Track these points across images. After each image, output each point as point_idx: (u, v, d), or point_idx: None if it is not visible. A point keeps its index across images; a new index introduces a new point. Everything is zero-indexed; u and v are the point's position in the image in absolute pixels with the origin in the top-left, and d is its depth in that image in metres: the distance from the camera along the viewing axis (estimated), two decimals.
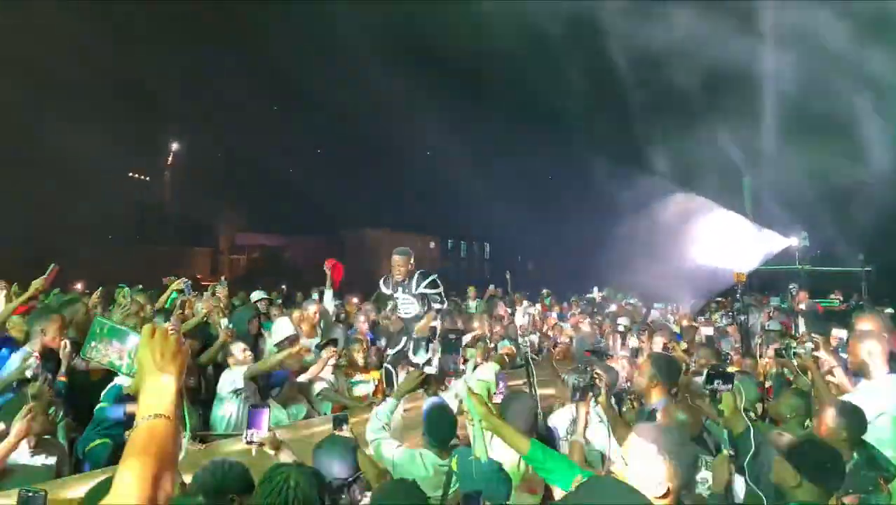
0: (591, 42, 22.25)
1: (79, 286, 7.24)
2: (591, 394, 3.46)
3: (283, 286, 14.01)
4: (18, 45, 20.14)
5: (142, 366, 1.46)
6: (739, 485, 3.10)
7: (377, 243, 41.86)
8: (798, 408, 4.10)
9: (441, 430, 3.56)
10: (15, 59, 19.68)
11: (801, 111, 17.92)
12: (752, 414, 4.03)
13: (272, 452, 3.20)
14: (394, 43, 27.67)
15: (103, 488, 2.41)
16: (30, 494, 2.43)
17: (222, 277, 10.23)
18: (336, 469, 3.14)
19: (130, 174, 32.00)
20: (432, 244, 49.77)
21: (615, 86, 23.05)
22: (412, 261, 6.58)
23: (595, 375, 3.55)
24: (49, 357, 4.71)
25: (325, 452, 3.21)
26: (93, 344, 1.64)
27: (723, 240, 20.14)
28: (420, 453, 3.54)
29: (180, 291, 6.84)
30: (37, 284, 5.32)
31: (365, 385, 6.41)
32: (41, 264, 5.53)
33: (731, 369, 6.26)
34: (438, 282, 6.36)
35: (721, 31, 17.97)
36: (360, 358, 6.53)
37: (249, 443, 3.23)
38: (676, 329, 10.01)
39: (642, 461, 2.23)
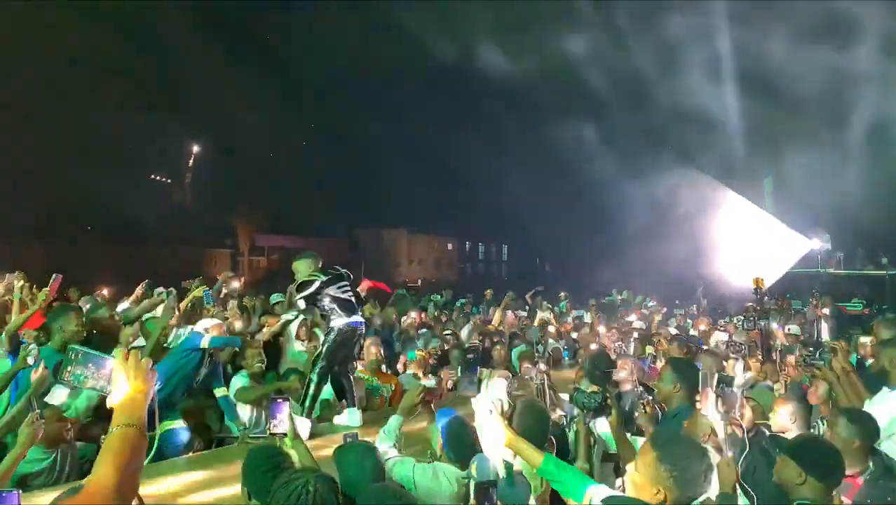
0: (608, 41, 22.15)
1: (106, 292, 7.30)
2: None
3: None
4: (43, 51, 20.52)
5: (118, 387, 1.71)
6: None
7: (394, 244, 42.06)
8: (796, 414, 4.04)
9: (463, 444, 3.56)
10: (39, 65, 20.03)
11: (824, 112, 17.71)
12: (768, 423, 3.99)
13: (289, 445, 3.29)
14: (408, 46, 27.75)
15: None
16: (2, 494, 2.48)
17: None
18: (353, 474, 3.16)
19: (152, 177, 32.49)
20: (450, 245, 49.82)
21: (634, 85, 22.93)
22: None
23: (607, 396, 3.53)
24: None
25: (346, 456, 3.24)
26: (68, 369, 1.80)
27: (746, 243, 19.93)
28: (440, 469, 3.53)
29: (199, 299, 6.90)
30: (43, 294, 5.32)
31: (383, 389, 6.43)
32: (62, 262, 5.59)
33: (750, 375, 6.24)
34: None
35: (743, 32, 17.83)
36: (375, 362, 6.53)
37: (272, 434, 3.39)
38: (694, 333, 9.93)
39: (643, 466, 2.24)
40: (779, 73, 18.67)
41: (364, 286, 6.50)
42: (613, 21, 22.19)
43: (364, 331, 5.81)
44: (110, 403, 1.73)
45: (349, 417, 5.48)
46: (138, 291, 7.23)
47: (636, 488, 2.24)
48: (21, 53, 19.62)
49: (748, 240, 20.39)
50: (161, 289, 6.76)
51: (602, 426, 3.79)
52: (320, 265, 5.69)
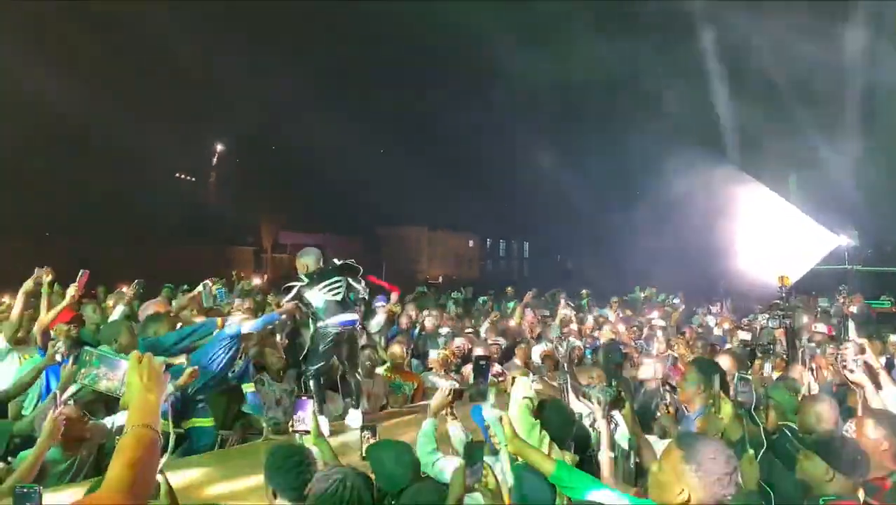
0: (629, 39, 21.97)
1: (125, 289, 7.38)
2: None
3: None
4: (66, 51, 20.83)
5: (130, 386, 1.74)
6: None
7: (415, 242, 42.13)
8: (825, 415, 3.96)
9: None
10: (63, 65, 20.34)
11: (852, 107, 17.42)
12: (791, 424, 3.92)
13: (314, 443, 3.34)
14: (433, 46, 27.77)
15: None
16: (24, 490, 2.52)
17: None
18: (399, 473, 3.17)
19: (177, 175, 32.90)
20: (470, 242, 49.77)
21: (656, 84, 22.73)
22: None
23: (620, 389, 3.50)
24: None
25: (382, 454, 3.26)
26: (83, 371, 1.86)
27: (772, 239, 19.64)
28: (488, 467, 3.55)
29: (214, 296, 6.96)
30: (71, 290, 5.39)
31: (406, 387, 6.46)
32: (88, 260, 5.66)
33: (775, 375, 6.14)
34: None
35: (768, 27, 17.58)
36: (398, 360, 6.56)
37: (295, 432, 3.46)
38: (718, 332, 9.82)
39: (667, 464, 2.23)
40: (805, 68, 18.37)
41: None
42: (637, 19, 22.02)
43: (358, 329, 5.75)
44: (122, 404, 1.75)
45: (349, 419, 5.47)
46: (129, 291, 7.22)
47: (660, 487, 2.22)
48: (44, 53, 19.94)
49: (773, 235, 20.10)
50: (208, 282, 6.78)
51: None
52: (321, 262, 5.70)
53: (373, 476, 3.06)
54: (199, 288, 6.71)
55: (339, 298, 5.56)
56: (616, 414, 3.54)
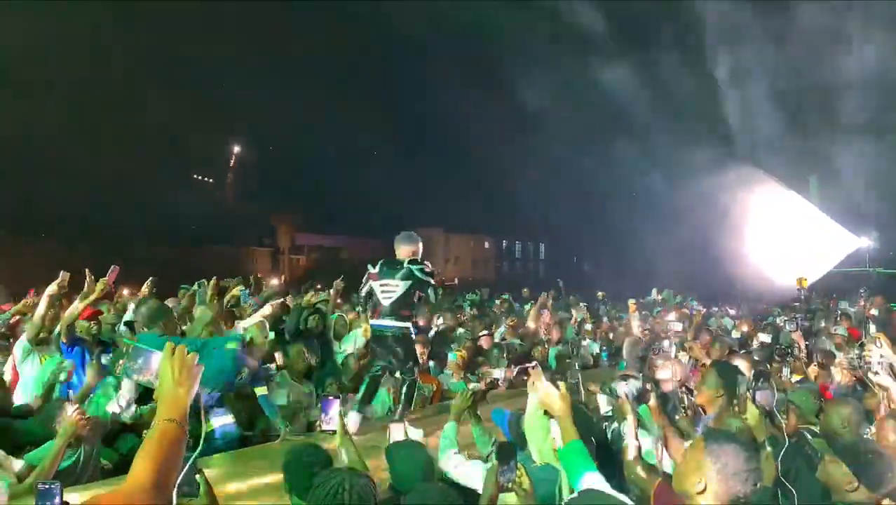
0: (647, 44, 21.86)
1: (145, 289, 7.44)
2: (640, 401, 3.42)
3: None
4: (89, 54, 21.12)
5: (162, 378, 1.73)
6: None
7: (431, 244, 42.19)
8: (847, 418, 3.91)
9: (519, 442, 3.56)
10: (86, 68, 20.63)
11: (871, 109, 17.20)
12: (813, 428, 3.88)
13: (340, 443, 3.37)
14: (452, 46, 27.80)
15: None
16: (46, 486, 2.55)
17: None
18: (410, 472, 3.19)
19: (195, 176, 33.26)
20: (486, 244, 49.71)
21: (674, 85, 22.59)
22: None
23: (646, 382, 3.50)
24: None
25: (400, 458, 3.27)
26: (120, 362, 1.93)
27: (790, 239, 19.42)
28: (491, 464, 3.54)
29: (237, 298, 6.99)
30: (101, 284, 5.44)
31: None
32: (109, 261, 5.72)
33: (794, 378, 6.08)
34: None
35: (790, 30, 17.44)
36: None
37: (323, 431, 3.54)
38: (737, 335, 9.72)
39: (690, 455, 2.29)
40: (826, 69, 18.19)
41: None
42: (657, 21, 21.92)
43: (397, 334, 5.47)
44: (155, 397, 1.74)
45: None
46: (144, 289, 7.19)
47: (680, 476, 2.28)
48: (67, 57, 20.22)
49: (792, 236, 19.88)
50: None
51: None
52: (410, 251, 5.42)
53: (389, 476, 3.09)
54: (195, 287, 6.78)
55: (387, 301, 5.32)
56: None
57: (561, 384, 2.73)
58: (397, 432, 3.69)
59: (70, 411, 3.75)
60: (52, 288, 5.22)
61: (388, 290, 5.29)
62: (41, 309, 5.27)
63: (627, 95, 24.27)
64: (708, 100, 21.98)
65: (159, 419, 1.64)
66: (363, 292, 5.45)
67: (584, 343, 9.09)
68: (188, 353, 1.79)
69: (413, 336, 5.46)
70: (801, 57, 18.76)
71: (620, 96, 24.83)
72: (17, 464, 3.74)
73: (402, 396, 5.27)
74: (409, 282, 5.26)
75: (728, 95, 21.18)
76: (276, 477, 3.14)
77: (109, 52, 22.06)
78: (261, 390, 5.45)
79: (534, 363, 4.88)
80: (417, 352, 6.20)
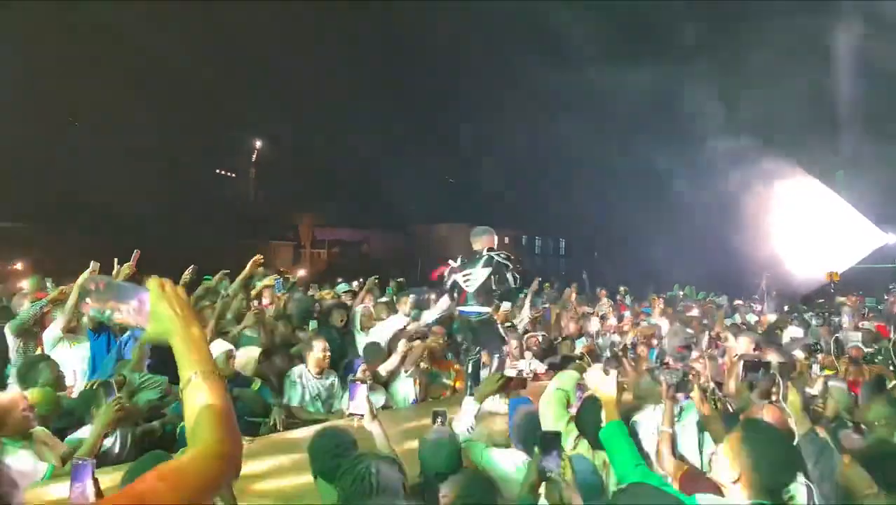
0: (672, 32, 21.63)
1: (187, 276, 7.60)
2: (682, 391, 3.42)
3: (361, 279, 14.28)
4: (112, 49, 21.39)
5: (163, 319, 1.39)
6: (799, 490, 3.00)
7: (450, 238, 42.17)
8: (889, 417, 3.85)
9: (529, 433, 3.58)
10: (110, 62, 20.90)
11: None
12: (848, 422, 3.84)
13: (368, 427, 3.41)
14: (472, 44, 27.75)
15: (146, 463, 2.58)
16: (80, 462, 2.60)
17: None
18: (440, 462, 3.20)
19: (218, 171, 33.56)
20: (506, 239, 49.62)
21: (699, 79, 22.34)
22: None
23: (687, 371, 3.50)
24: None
25: (430, 445, 3.29)
26: (90, 301, 1.45)
27: (816, 232, 19.12)
28: (511, 455, 3.57)
29: (270, 287, 7.11)
30: (125, 269, 5.59)
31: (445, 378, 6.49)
32: (125, 258, 5.83)
33: (827, 372, 6.00)
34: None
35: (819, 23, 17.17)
36: (439, 351, 6.59)
37: (350, 416, 3.55)
38: (761, 329, 9.62)
39: (728, 445, 2.30)
40: (854, 63, 17.88)
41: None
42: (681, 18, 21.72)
43: (481, 318, 5.81)
44: (146, 338, 1.43)
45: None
46: (186, 276, 7.44)
47: (718, 466, 2.31)
48: (91, 51, 20.48)
49: (817, 229, 19.56)
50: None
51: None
52: (484, 245, 5.85)
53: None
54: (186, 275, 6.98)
55: (471, 289, 5.73)
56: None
57: (612, 371, 2.80)
58: (469, 408, 3.78)
59: (109, 396, 3.82)
60: (82, 278, 5.33)
61: (471, 278, 5.74)
62: (72, 299, 5.41)
63: (649, 89, 24.07)
64: (733, 93, 21.70)
65: (193, 372, 1.34)
66: (448, 286, 5.94)
67: (609, 338, 9.07)
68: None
69: (496, 320, 5.96)
70: (829, 50, 18.48)
71: (642, 90, 24.63)
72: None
73: (469, 375, 5.62)
74: (489, 269, 5.71)
75: (754, 88, 20.91)
76: (297, 460, 3.16)
77: (135, 50, 22.29)
78: (254, 386, 5.50)
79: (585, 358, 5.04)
80: (500, 333, 6.37)
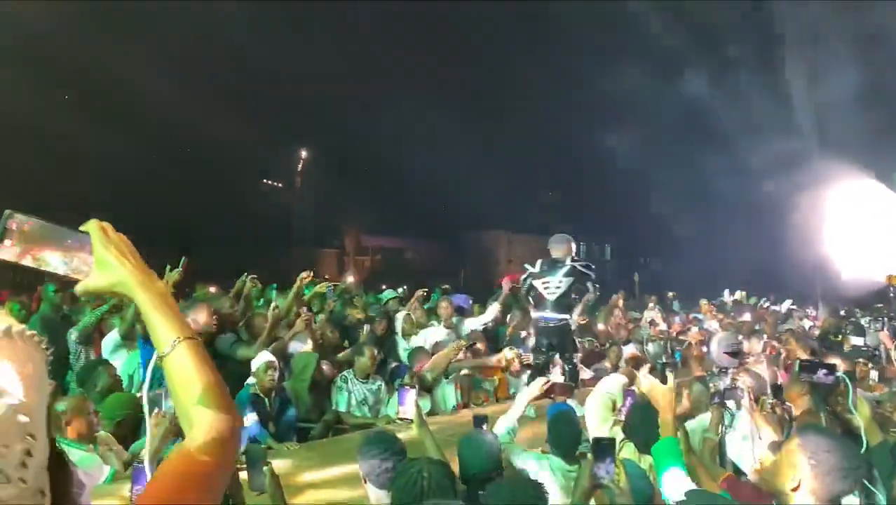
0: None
1: (212, 288, 7.76)
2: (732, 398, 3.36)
3: (405, 287, 14.38)
4: (160, 61, 22.03)
5: (112, 267, 1.13)
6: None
7: (494, 246, 42.06)
8: None
9: (565, 438, 3.57)
10: (159, 75, 21.54)
11: None
12: None
13: (417, 432, 3.46)
14: (517, 42, 27.72)
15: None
16: (138, 466, 2.70)
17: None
18: (478, 462, 3.22)
19: (265, 181, 34.29)
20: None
21: (751, 82, 21.86)
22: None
23: (736, 378, 3.43)
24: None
25: (470, 446, 3.31)
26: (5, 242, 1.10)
27: (874, 236, 18.41)
28: (548, 461, 3.56)
29: (322, 295, 7.24)
30: (173, 276, 5.75)
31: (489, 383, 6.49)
32: (187, 263, 6.00)
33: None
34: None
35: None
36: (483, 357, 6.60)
37: (401, 420, 3.67)
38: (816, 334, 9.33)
39: (785, 451, 2.25)
40: None
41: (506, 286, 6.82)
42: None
43: (559, 324, 5.94)
44: (84, 289, 1.15)
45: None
46: (249, 285, 7.57)
47: (775, 472, 2.25)
48: (140, 64, 21.10)
49: (876, 230, 18.81)
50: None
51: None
52: (563, 253, 6.07)
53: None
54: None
55: (552, 296, 5.89)
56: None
57: (670, 379, 2.76)
58: (513, 411, 3.83)
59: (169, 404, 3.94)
60: None
61: (551, 286, 5.91)
62: (132, 310, 5.57)
63: (701, 93, 23.61)
64: (786, 95, 21.16)
65: (177, 338, 1.13)
66: (524, 290, 6.16)
67: (658, 344, 8.90)
68: None
69: (572, 327, 6.13)
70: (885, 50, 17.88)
71: (694, 94, 24.18)
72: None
73: (568, 377, 5.69)
74: (572, 278, 5.91)
75: (808, 90, 20.35)
76: (348, 468, 3.21)
77: (181, 59, 22.94)
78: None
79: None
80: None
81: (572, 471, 3.41)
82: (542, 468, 3.48)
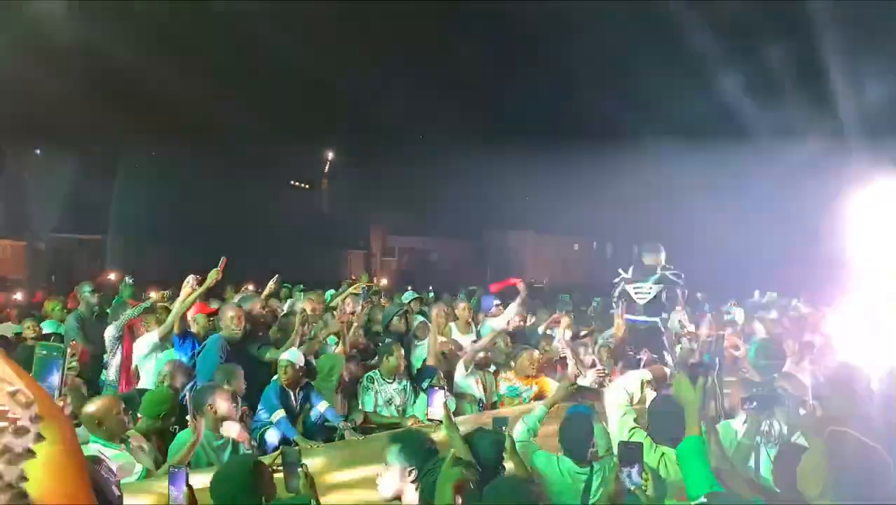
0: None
1: (273, 285, 7.98)
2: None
3: (431, 287, 14.46)
4: (189, 67, 22.33)
5: None
6: None
7: (521, 246, 41.91)
8: None
9: (577, 440, 3.57)
10: (190, 80, 21.84)
11: None
12: None
13: (446, 432, 3.48)
14: (534, 45, 27.60)
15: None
16: (176, 470, 2.77)
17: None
18: (483, 450, 3.24)
19: (292, 182, 34.65)
20: (576, 246, 48.82)
21: (786, 78, 21.49)
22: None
23: (776, 386, 3.40)
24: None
25: (477, 433, 3.34)
26: None
27: None
28: (559, 461, 3.57)
29: (356, 295, 7.39)
30: (212, 275, 5.84)
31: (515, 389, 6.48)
32: (208, 268, 6.06)
33: None
34: None
35: None
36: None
37: (430, 420, 3.76)
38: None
39: (811, 456, 2.27)
40: None
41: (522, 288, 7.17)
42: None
43: (649, 326, 6.48)
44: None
45: None
46: (271, 285, 7.76)
47: (805, 479, 2.24)
48: (169, 66, 21.40)
49: None
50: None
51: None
52: (654, 261, 6.59)
53: None
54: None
55: (642, 301, 6.45)
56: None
57: (700, 378, 2.75)
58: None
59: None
60: (185, 291, 5.63)
61: (643, 291, 6.46)
62: (177, 309, 5.69)
63: (733, 90, 23.26)
64: (820, 91, 20.74)
65: None
66: (616, 293, 6.69)
67: (688, 344, 8.82)
68: None
69: (663, 329, 6.53)
70: None
71: (724, 91, 23.83)
72: None
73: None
74: (662, 285, 6.45)
75: (842, 88, 19.92)
76: (377, 468, 3.24)
77: (211, 65, 23.26)
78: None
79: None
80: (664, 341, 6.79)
81: (581, 473, 3.42)
82: (552, 468, 3.49)
